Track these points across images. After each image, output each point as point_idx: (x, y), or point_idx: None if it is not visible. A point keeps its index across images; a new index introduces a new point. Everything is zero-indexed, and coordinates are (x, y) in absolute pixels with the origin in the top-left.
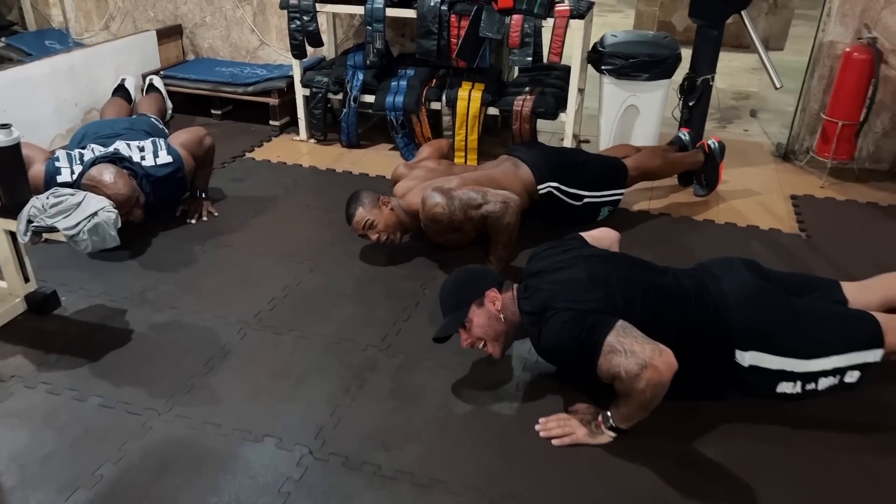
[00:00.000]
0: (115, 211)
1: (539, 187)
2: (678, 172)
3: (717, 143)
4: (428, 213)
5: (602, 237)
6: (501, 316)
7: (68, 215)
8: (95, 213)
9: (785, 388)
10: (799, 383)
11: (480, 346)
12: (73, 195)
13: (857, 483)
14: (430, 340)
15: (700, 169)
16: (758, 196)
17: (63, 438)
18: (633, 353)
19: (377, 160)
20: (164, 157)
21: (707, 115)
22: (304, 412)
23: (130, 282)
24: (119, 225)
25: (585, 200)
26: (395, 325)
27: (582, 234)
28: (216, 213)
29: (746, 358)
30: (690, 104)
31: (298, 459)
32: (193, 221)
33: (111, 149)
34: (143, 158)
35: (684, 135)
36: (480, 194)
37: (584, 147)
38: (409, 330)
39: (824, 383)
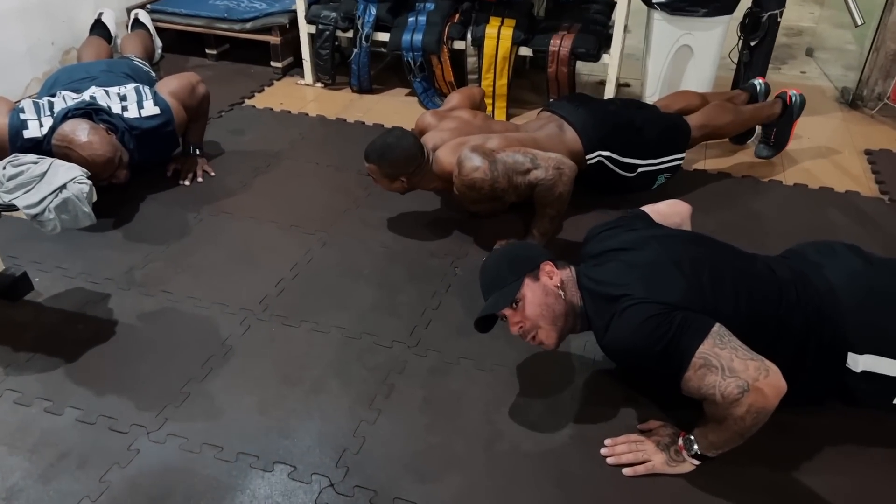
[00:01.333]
0: (89, 182)
1: (588, 157)
2: (750, 127)
3: (798, 96)
4: (466, 178)
5: (670, 213)
6: (561, 293)
7: (30, 189)
8: (64, 186)
9: None
10: None
11: (532, 334)
12: (35, 163)
13: None
14: (465, 334)
15: (773, 123)
16: (827, 151)
17: (33, 466)
18: (732, 371)
19: (392, 108)
20: (151, 108)
21: (771, 57)
22: (321, 430)
23: (115, 258)
24: (94, 198)
25: (640, 170)
26: (424, 314)
27: (645, 208)
28: (212, 173)
29: (860, 362)
30: (753, 44)
31: (317, 495)
32: (187, 182)
33: (86, 96)
34: (124, 109)
35: (761, 84)
36: (529, 157)
37: (625, 92)
38: (440, 320)
39: None
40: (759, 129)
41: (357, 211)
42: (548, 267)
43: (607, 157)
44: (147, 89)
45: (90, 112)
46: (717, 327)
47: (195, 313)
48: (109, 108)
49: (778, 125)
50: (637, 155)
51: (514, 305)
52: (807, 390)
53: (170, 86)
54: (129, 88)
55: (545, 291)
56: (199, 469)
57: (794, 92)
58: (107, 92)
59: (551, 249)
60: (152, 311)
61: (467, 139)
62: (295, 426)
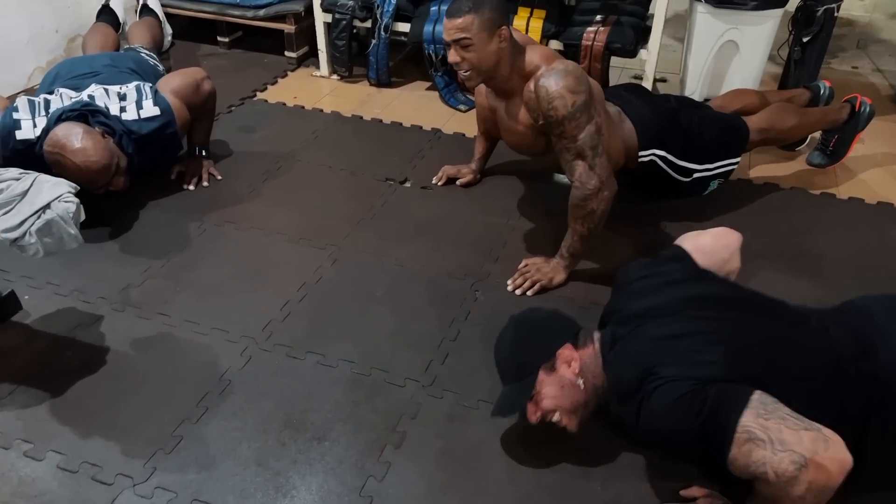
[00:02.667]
0: (76, 200)
1: (641, 154)
2: (812, 132)
3: (868, 106)
4: (552, 89)
5: (716, 247)
6: (580, 381)
7: (9, 210)
8: (48, 206)
9: None
10: None
11: (552, 418)
12: (18, 179)
13: None
14: (485, 371)
15: (836, 129)
16: (884, 159)
17: None
18: (783, 443)
19: (412, 104)
20: (150, 109)
21: (825, 54)
22: (324, 488)
23: (111, 273)
24: (82, 217)
25: (695, 176)
26: (441, 346)
27: (688, 244)
28: (219, 177)
29: None
30: (805, 40)
31: None
32: (191, 187)
33: (84, 95)
34: (122, 110)
35: (826, 87)
36: (600, 145)
37: (661, 88)
38: (457, 354)
39: None
40: (812, 134)
41: (372, 222)
42: (566, 352)
43: (661, 158)
44: (148, 87)
45: (86, 114)
46: (759, 395)
47: (193, 340)
48: (107, 108)
49: (841, 132)
50: (694, 159)
51: (531, 398)
52: (869, 479)
53: (172, 83)
54: (130, 87)
55: (562, 384)
56: None
57: (866, 100)
58: (106, 91)
59: (579, 273)
60: (147, 336)
61: (561, 58)
62: (295, 482)
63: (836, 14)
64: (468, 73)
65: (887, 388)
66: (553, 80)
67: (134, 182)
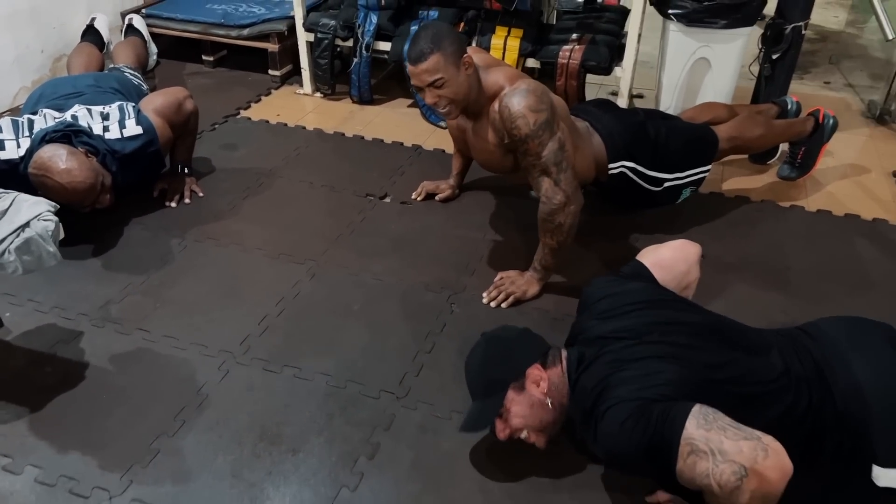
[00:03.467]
0: (55, 219)
1: (610, 166)
2: (778, 143)
3: (831, 118)
4: (514, 108)
5: (675, 259)
6: (549, 400)
7: None
8: (27, 224)
9: None
10: None
11: (521, 436)
12: None
13: None
14: (458, 383)
15: (802, 142)
16: (852, 171)
17: None
18: (723, 453)
19: (393, 121)
20: (133, 128)
21: (794, 70)
22: (301, 498)
23: (91, 290)
24: (61, 236)
25: (666, 185)
26: (416, 359)
27: (648, 259)
28: (201, 193)
29: (881, 477)
30: (774, 57)
31: None
32: (173, 205)
33: (67, 115)
34: (105, 129)
35: (793, 102)
36: (564, 161)
37: (638, 104)
38: (432, 366)
39: None
40: (782, 147)
41: (351, 237)
42: (534, 372)
43: (631, 169)
44: (131, 107)
45: (70, 134)
46: (699, 407)
47: (171, 356)
48: (90, 128)
49: (808, 144)
50: (663, 168)
51: (500, 415)
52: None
53: (155, 103)
54: (113, 107)
55: (531, 403)
56: None
57: (829, 112)
58: (89, 111)
59: (552, 286)
60: (126, 352)
61: (524, 77)
62: (270, 493)
63: (803, 32)
64: (447, 108)
65: (843, 415)
66: (515, 99)
67: (118, 197)
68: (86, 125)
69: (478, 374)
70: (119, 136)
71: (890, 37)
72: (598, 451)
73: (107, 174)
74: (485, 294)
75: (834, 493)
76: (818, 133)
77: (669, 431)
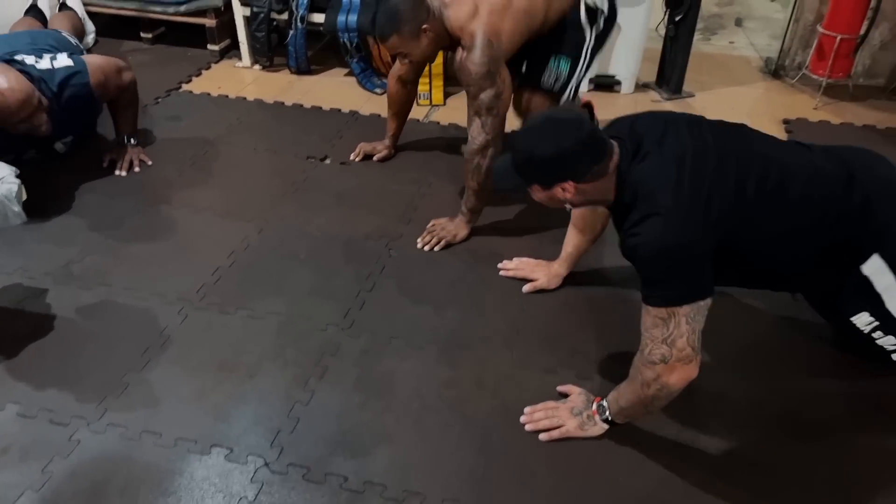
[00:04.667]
0: (17, 181)
1: None
2: None
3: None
4: (460, 66)
5: None
6: (568, 205)
7: None
8: None
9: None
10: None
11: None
12: None
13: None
14: (398, 314)
15: None
16: (747, 119)
17: None
18: (671, 342)
19: (331, 89)
20: (64, 61)
21: (695, 31)
22: (257, 413)
23: (52, 252)
24: (24, 197)
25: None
26: (358, 296)
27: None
28: (149, 162)
29: (867, 267)
30: (677, 19)
31: (253, 474)
32: (123, 174)
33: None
34: (37, 61)
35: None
36: (496, 109)
37: None
38: (374, 302)
39: None
40: None
41: (295, 195)
42: (565, 185)
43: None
44: (65, 53)
45: (7, 61)
46: (705, 302)
47: (133, 305)
48: (23, 59)
49: None
50: None
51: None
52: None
53: (91, 56)
54: (46, 56)
55: (550, 198)
56: (138, 456)
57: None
58: (24, 56)
59: (482, 229)
60: (91, 304)
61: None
62: (231, 411)
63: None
64: (415, 64)
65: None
66: (466, 54)
67: (70, 170)
68: (19, 59)
69: (508, 163)
70: (49, 67)
71: None
72: (625, 249)
73: (42, 96)
74: (419, 239)
75: (823, 270)
76: None
77: (674, 292)
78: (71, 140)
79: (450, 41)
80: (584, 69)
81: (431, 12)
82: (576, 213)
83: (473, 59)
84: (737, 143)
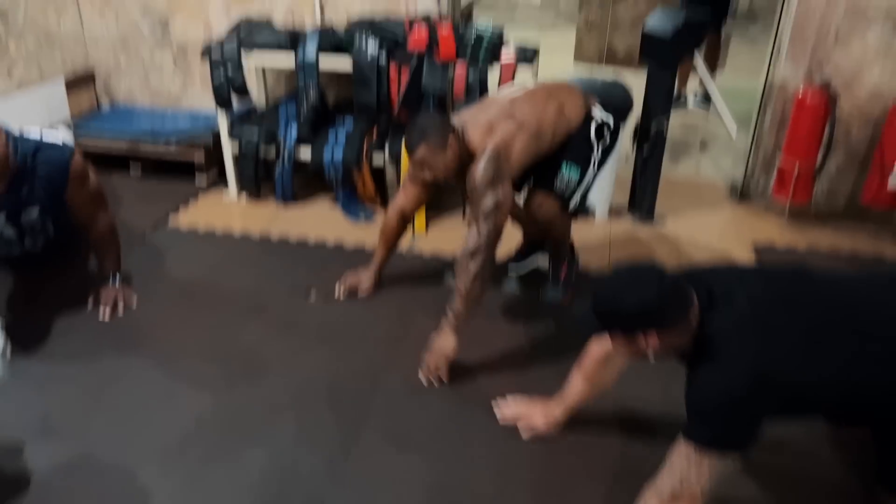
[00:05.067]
0: (3, 335)
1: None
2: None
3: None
4: (471, 175)
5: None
6: (650, 356)
7: None
8: None
9: None
10: None
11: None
12: None
13: None
14: (384, 467)
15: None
16: (717, 245)
17: None
18: (687, 480)
19: (317, 220)
20: (53, 137)
21: (661, 173)
22: None
23: (32, 400)
24: (8, 356)
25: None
26: (343, 445)
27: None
28: (134, 307)
29: None
30: (644, 157)
31: None
32: (107, 319)
33: None
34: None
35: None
36: (493, 205)
37: None
38: (359, 453)
39: None
40: None
41: (279, 336)
42: (648, 337)
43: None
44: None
45: None
46: (735, 454)
47: (110, 463)
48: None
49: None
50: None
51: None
52: None
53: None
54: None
55: (630, 352)
56: None
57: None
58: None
59: (469, 342)
60: (66, 462)
61: (494, 120)
62: None
63: (665, 133)
64: (432, 182)
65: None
66: (478, 162)
67: (53, 313)
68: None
69: (594, 311)
70: (37, 138)
71: (734, 136)
72: (689, 391)
73: (13, 156)
74: (421, 376)
75: None
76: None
77: (714, 436)
78: (38, 217)
79: (469, 157)
80: (591, 179)
81: (455, 129)
82: (590, 365)
83: (481, 166)
84: (802, 288)
